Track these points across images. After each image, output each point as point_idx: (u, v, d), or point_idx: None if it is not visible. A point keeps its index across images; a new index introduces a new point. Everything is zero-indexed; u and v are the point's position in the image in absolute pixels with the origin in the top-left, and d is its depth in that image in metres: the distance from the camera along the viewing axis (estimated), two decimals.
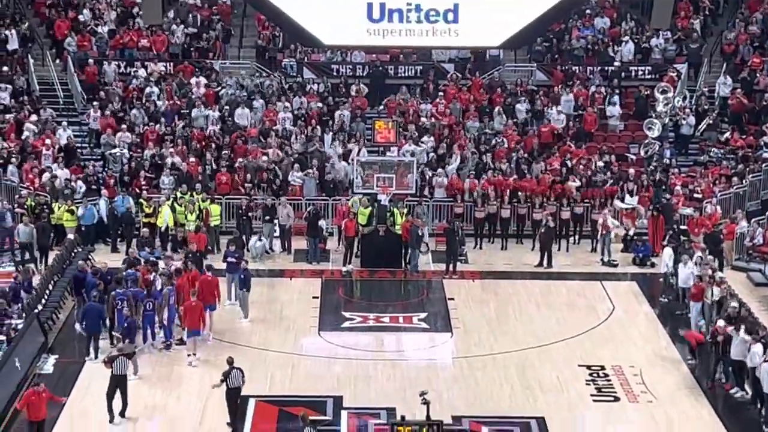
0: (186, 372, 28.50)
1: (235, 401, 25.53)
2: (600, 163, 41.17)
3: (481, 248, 39.12)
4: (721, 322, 28.40)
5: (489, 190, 39.52)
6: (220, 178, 39.84)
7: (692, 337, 29.99)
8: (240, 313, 32.61)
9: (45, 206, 37.25)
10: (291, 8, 22.88)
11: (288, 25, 23.68)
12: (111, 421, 25.73)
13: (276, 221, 38.51)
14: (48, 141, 42.03)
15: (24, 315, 29.74)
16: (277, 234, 38.32)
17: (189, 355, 29.62)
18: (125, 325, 29.21)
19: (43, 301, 32.22)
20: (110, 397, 25.71)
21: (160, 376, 28.96)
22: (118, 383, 25.71)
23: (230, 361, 25.49)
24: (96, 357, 29.05)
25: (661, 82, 43.80)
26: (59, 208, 37.56)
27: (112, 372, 25.66)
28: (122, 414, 26.02)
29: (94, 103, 43.85)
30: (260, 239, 37.32)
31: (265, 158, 41.05)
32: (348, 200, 38.44)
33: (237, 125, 42.64)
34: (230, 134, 42.23)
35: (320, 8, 22.82)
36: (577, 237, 39.39)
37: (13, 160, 39.92)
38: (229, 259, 33.48)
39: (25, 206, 36.95)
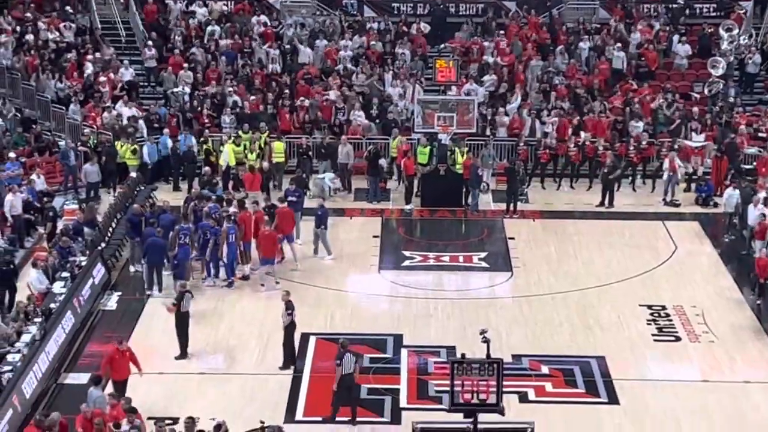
0: (247, 309, 28.66)
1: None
2: (662, 101, 40.43)
3: (543, 188, 38.55)
4: None
5: (551, 129, 38.63)
6: (281, 116, 39.32)
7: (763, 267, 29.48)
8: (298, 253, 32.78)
9: (108, 144, 37.24)
10: None
11: None
12: (183, 357, 26.08)
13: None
14: (107, 78, 42.43)
15: (87, 252, 29.81)
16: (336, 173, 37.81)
17: (261, 285, 30.92)
18: (176, 262, 29.97)
19: (106, 238, 32.32)
20: (182, 334, 26.07)
21: (221, 312, 29.30)
22: (183, 320, 25.83)
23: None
24: (160, 291, 29.74)
25: (726, 19, 43.21)
26: (122, 146, 37.45)
27: (179, 309, 25.80)
28: (184, 350, 26.16)
29: (155, 41, 43.52)
30: (323, 178, 36.83)
31: (326, 97, 40.32)
32: (400, 140, 38.75)
33: (298, 64, 42.23)
34: (291, 73, 41.86)
35: None
36: (640, 177, 38.57)
37: (76, 99, 39.76)
38: (290, 198, 33.43)
39: (88, 144, 36.94)
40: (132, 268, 31.60)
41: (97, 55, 42.88)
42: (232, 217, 31.39)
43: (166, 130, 38.92)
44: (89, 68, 41.64)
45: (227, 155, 37.38)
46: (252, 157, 37.63)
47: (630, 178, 38.87)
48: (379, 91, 41.32)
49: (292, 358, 25.56)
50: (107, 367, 24.01)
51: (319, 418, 24.42)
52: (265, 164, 37.30)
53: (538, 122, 39.77)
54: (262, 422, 21.11)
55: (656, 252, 33.31)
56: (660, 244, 33.90)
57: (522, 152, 38.82)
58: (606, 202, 37.17)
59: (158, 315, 28.70)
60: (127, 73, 42.54)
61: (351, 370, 24.02)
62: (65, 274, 28.53)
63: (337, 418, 23.97)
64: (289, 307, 25.61)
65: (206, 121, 39.57)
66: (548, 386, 25.39)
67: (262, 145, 38.20)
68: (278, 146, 38.15)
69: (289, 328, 25.34)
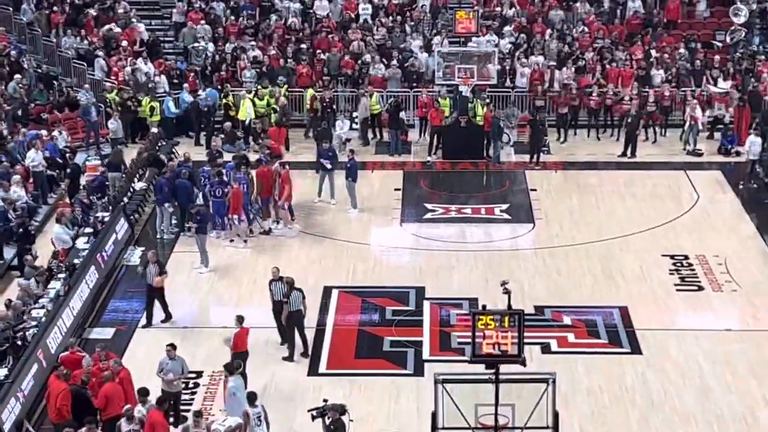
0: (269, 263, 28.36)
1: (294, 325, 25.27)
2: (683, 51, 40.39)
3: (565, 140, 38.62)
4: None
5: (572, 81, 38.63)
6: (300, 70, 39.44)
7: None
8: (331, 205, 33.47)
9: (133, 99, 37.43)
10: None
11: None
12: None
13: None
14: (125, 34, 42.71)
15: (110, 208, 30.01)
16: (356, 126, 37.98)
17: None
18: (199, 218, 30.05)
19: (129, 194, 32.54)
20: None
21: (243, 266, 29.93)
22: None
23: (290, 282, 25.18)
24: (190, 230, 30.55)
25: None
26: (146, 102, 37.48)
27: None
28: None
29: None
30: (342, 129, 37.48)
31: (346, 50, 40.41)
32: (430, 93, 38.08)
33: (317, 17, 42.21)
34: (311, 26, 41.85)
35: None
36: (662, 128, 38.66)
37: (99, 53, 39.92)
38: (322, 161, 34.06)
39: (108, 100, 37.07)
40: (163, 233, 31.63)
41: (120, 11, 42.59)
42: (246, 168, 32.11)
43: (186, 86, 38.49)
44: (108, 25, 41.40)
45: (250, 109, 37.07)
46: (275, 109, 37.88)
47: (651, 128, 38.19)
48: (400, 43, 41.02)
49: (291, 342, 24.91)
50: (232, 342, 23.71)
51: (342, 371, 24.59)
52: (282, 99, 38.12)
53: (557, 73, 39.17)
54: (325, 400, 20.72)
55: (679, 202, 33.48)
56: (682, 193, 34.04)
57: (541, 101, 38.65)
58: (628, 152, 37.09)
59: (180, 270, 29.10)
60: (143, 30, 42.08)
61: (299, 306, 24.78)
62: (88, 230, 28.78)
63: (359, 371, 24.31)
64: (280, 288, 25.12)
65: (224, 76, 39.33)
66: (570, 337, 25.57)
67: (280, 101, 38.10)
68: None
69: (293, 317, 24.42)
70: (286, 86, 38.62)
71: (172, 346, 22.11)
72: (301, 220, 32.10)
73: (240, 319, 23.49)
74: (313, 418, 19.97)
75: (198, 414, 20.68)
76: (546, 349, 24.34)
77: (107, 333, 25.78)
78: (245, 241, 31.15)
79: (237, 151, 34.19)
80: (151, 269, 26.20)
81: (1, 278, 28.02)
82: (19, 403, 21.95)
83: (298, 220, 31.82)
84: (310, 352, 24.96)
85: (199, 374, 23.60)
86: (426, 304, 27.00)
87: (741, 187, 34.59)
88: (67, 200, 31.27)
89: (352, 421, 20.07)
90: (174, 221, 31.16)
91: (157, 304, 26.43)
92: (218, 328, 25.73)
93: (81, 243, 28.03)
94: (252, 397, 20.72)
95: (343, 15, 42.93)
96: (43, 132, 35.01)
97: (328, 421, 19.83)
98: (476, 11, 41.61)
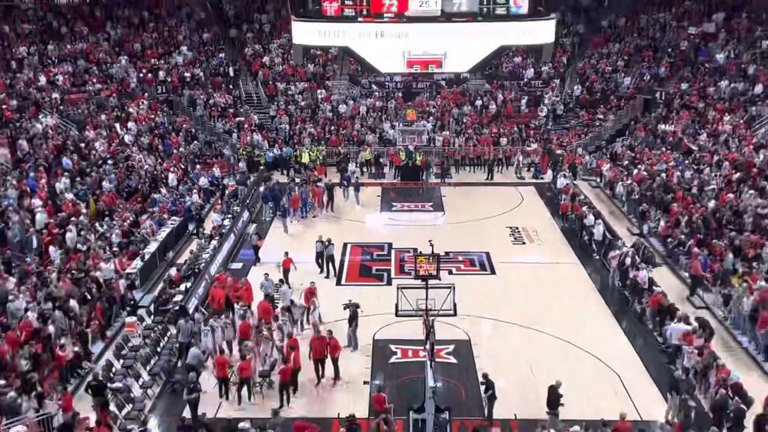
0: (316, 230, 28.28)
1: (329, 260, 24.59)
2: (516, 128, 40.84)
3: (457, 172, 38.09)
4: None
5: (463, 143, 39.04)
6: (331, 139, 39.60)
7: (564, 207, 30.32)
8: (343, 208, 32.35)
9: (251, 152, 37.78)
10: (365, 54, 22.84)
11: (363, 62, 23.68)
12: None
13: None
14: (246, 120, 41.38)
15: (240, 205, 30.73)
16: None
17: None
18: (282, 210, 29.90)
19: (249, 198, 32.60)
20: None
21: (305, 231, 29.27)
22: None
23: (326, 241, 24.47)
24: (285, 217, 29.66)
25: (546, 87, 43.49)
26: (257, 153, 37.70)
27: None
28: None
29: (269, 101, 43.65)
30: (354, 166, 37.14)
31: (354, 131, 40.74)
32: (370, 151, 38.09)
33: (340, 114, 42.49)
34: (337, 117, 42.14)
35: (379, 55, 22.83)
36: (502, 167, 38.21)
37: (234, 130, 40.32)
38: (344, 182, 33.66)
39: (240, 153, 37.45)
40: (265, 218, 30.97)
41: (242, 109, 42.79)
42: (303, 186, 31.80)
43: (275, 145, 38.66)
44: (239, 116, 41.70)
45: (307, 158, 37.40)
46: (319, 157, 37.57)
47: (499, 166, 38.41)
48: (379, 126, 41.24)
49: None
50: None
51: (353, 283, 24.12)
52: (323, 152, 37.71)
53: (456, 139, 39.49)
54: (349, 300, 20.18)
55: (513, 201, 33.33)
56: (515, 198, 33.92)
57: (448, 153, 38.61)
58: (490, 178, 36.92)
59: (274, 233, 29.01)
60: (255, 118, 42.25)
61: (332, 252, 24.51)
62: (229, 217, 28.85)
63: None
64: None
65: (296, 141, 39.62)
66: (461, 266, 25.55)
67: (321, 153, 37.85)
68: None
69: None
70: (324, 146, 38.61)
71: (266, 275, 22.10)
72: (333, 211, 31.73)
73: (286, 254, 23.64)
74: (344, 308, 19.94)
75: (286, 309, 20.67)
76: (450, 272, 24.07)
77: (238, 266, 25.78)
78: (301, 219, 30.57)
79: (300, 179, 34.48)
80: (254, 237, 26.70)
81: (188, 239, 28.13)
82: (195, 298, 21.92)
83: (328, 211, 31.41)
84: (337, 274, 24.91)
85: (280, 282, 23.05)
86: (393, 252, 26.94)
87: (545, 195, 34.46)
88: (219, 201, 31.44)
89: (362, 311, 20.16)
90: (270, 212, 31.30)
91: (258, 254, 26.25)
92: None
93: (226, 222, 28.18)
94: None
95: (352, 112, 42.99)
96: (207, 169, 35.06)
97: (350, 311, 19.79)
98: (415, 109, 41.82)
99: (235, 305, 21.13)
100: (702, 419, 15.92)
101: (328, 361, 18.31)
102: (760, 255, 22.06)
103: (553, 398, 15.94)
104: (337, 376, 18.24)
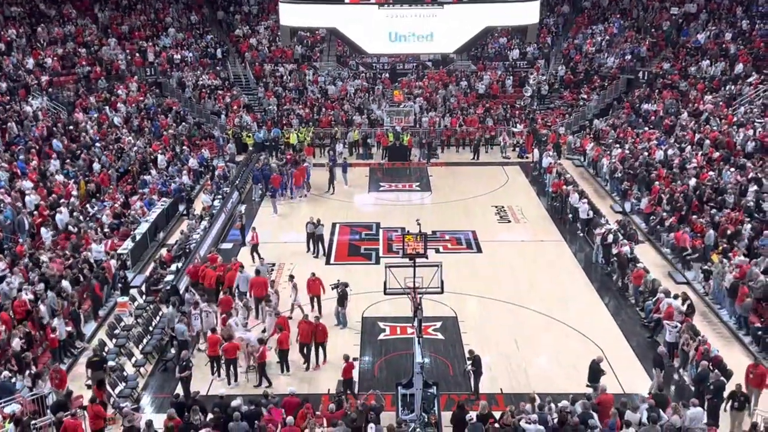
0: (300, 212, 28.42)
1: (318, 241, 24.54)
2: (501, 110, 40.76)
3: (443, 152, 38.01)
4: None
5: (449, 124, 39.10)
6: (323, 121, 39.44)
7: (554, 185, 30.04)
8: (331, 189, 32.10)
9: (240, 133, 37.62)
10: (351, 35, 22.53)
11: (350, 43, 23.38)
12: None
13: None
14: (236, 102, 41.16)
15: (230, 186, 30.50)
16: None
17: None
18: (272, 190, 29.85)
19: (239, 179, 32.37)
20: None
21: (291, 212, 29.29)
22: None
23: (316, 221, 24.59)
24: (275, 212, 29.26)
25: (531, 68, 43.36)
26: (245, 135, 37.47)
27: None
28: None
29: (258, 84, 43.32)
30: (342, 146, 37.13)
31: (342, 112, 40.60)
32: (382, 129, 38.22)
33: (328, 95, 42.23)
34: (325, 98, 41.95)
35: (365, 35, 22.52)
36: (488, 146, 38.17)
37: (222, 112, 40.06)
38: (329, 163, 33.19)
39: (227, 133, 37.28)
40: (255, 197, 31.11)
41: (234, 91, 42.44)
42: (285, 167, 31.61)
43: (264, 127, 38.37)
44: (227, 98, 41.31)
45: (295, 138, 37.18)
46: (302, 137, 37.44)
47: (485, 146, 38.33)
48: (367, 106, 41.08)
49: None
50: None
51: (342, 262, 24.07)
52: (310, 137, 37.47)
53: (443, 120, 39.46)
54: (338, 280, 19.98)
55: (499, 181, 33.36)
56: (501, 177, 33.98)
57: (434, 133, 38.62)
58: (476, 158, 36.92)
59: (263, 214, 28.93)
60: (245, 98, 41.97)
61: (321, 233, 24.45)
62: (219, 197, 28.67)
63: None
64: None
65: (284, 122, 39.35)
66: (448, 245, 25.56)
67: (310, 134, 37.73)
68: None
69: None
70: (312, 127, 38.39)
71: (262, 260, 22.07)
72: (322, 192, 31.60)
73: (253, 229, 23.97)
74: (333, 288, 19.81)
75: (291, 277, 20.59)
76: (437, 251, 24.18)
77: (228, 245, 25.65)
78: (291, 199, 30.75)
79: (281, 159, 34.33)
80: (238, 220, 26.56)
81: (178, 220, 27.98)
82: (188, 277, 21.49)
83: (330, 192, 31.29)
84: (326, 254, 24.82)
85: (273, 265, 23.21)
86: (381, 231, 26.86)
87: (530, 174, 34.45)
88: (209, 182, 31.20)
89: (350, 290, 20.02)
90: (260, 191, 31.13)
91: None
92: (280, 243, 25.64)
93: (216, 203, 28.00)
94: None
95: (340, 92, 42.76)
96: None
97: (339, 291, 19.68)
98: (402, 90, 41.68)
99: (236, 277, 20.74)
100: (685, 391, 16.13)
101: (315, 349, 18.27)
102: (740, 231, 22.47)
103: (595, 372, 15.93)
104: (323, 361, 17.85)
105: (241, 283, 20.58)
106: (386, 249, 25.09)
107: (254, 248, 23.57)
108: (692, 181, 26.08)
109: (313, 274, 20.48)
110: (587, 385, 15.90)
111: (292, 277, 20.67)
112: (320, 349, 17.93)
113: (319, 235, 24.64)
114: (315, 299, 20.07)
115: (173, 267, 22.16)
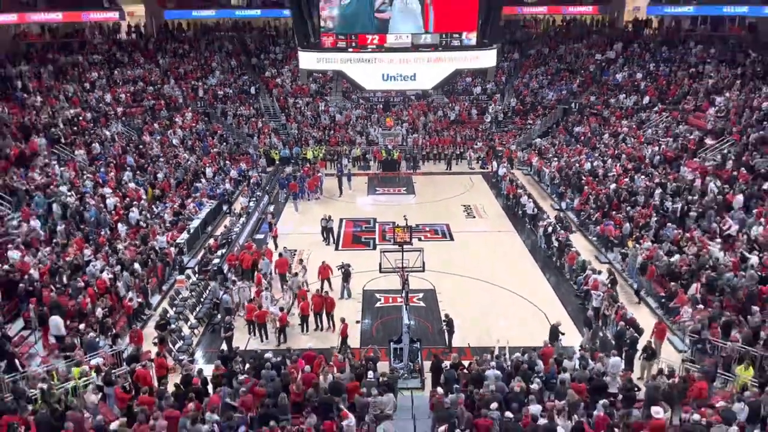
0: (315, 210, 28.23)
1: (329, 232, 24.05)
2: (467, 132, 40.37)
3: (424, 164, 37.58)
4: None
5: (428, 143, 38.63)
6: (331, 141, 38.66)
7: (508, 190, 29.41)
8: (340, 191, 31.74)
9: (269, 150, 37.11)
10: (353, 75, 22.41)
11: (352, 82, 23.30)
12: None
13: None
14: (265, 126, 40.53)
15: (262, 190, 30.15)
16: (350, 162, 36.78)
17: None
18: (294, 194, 29.38)
19: (268, 185, 31.98)
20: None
21: (306, 210, 28.85)
22: None
23: (327, 217, 24.18)
24: (294, 199, 29.18)
25: (490, 101, 43.11)
26: (273, 152, 37.00)
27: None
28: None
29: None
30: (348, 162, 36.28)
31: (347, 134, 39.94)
32: (377, 147, 37.48)
33: (336, 121, 41.78)
34: (334, 124, 41.54)
35: (363, 75, 22.41)
36: (458, 160, 37.38)
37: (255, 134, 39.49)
38: (337, 173, 32.59)
39: (259, 150, 36.81)
40: (281, 199, 30.77)
41: (264, 119, 41.95)
42: (303, 175, 30.82)
43: (287, 145, 38.01)
44: (259, 123, 41.01)
45: (311, 154, 36.68)
46: (316, 153, 36.94)
47: (456, 159, 37.92)
48: (366, 130, 40.72)
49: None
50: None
51: (347, 249, 23.57)
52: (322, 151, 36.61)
53: (423, 139, 39.06)
54: (343, 262, 19.95)
55: (466, 186, 32.86)
56: (467, 182, 33.61)
57: (417, 150, 38.16)
58: (449, 169, 36.62)
59: (288, 212, 28.51)
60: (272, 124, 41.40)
61: (331, 226, 23.90)
62: (253, 200, 28.51)
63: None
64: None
65: (304, 142, 39.06)
66: (428, 235, 25.23)
67: (323, 151, 36.99)
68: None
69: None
70: (324, 146, 38.06)
71: (284, 248, 21.93)
72: (333, 195, 31.37)
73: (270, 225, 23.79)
74: (338, 268, 19.72)
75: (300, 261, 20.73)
76: (420, 240, 23.99)
77: (260, 236, 25.30)
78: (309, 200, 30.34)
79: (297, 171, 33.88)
80: (269, 216, 25.95)
81: (222, 217, 27.71)
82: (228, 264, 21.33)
83: (340, 196, 30.75)
84: (336, 242, 24.59)
85: (295, 251, 22.83)
86: (377, 225, 26.67)
87: (491, 181, 34.16)
88: (246, 188, 31.04)
89: (352, 269, 19.77)
90: (285, 195, 30.87)
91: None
92: (301, 234, 25.30)
93: (251, 204, 27.83)
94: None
95: (345, 119, 42.50)
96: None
97: (344, 270, 19.57)
98: (392, 117, 41.37)
99: (260, 263, 20.58)
100: (607, 345, 16.30)
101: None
102: (648, 223, 22.72)
103: (554, 333, 15.89)
104: (332, 326, 17.69)
105: (264, 267, 20.44)
106: (381, 238, 24.75)
107: (274, 239, 23.64)
108: (612, 186, 25.83)
109: (324, 262, 20.10)
110: (550, 344, 15.42)
111: (301, 260, 20.84)
112: (329, 317, 17.97)
113: (330, 228, 24.35)
114: (326, 281, 19.77)
115: (219, 252, 21.97)
